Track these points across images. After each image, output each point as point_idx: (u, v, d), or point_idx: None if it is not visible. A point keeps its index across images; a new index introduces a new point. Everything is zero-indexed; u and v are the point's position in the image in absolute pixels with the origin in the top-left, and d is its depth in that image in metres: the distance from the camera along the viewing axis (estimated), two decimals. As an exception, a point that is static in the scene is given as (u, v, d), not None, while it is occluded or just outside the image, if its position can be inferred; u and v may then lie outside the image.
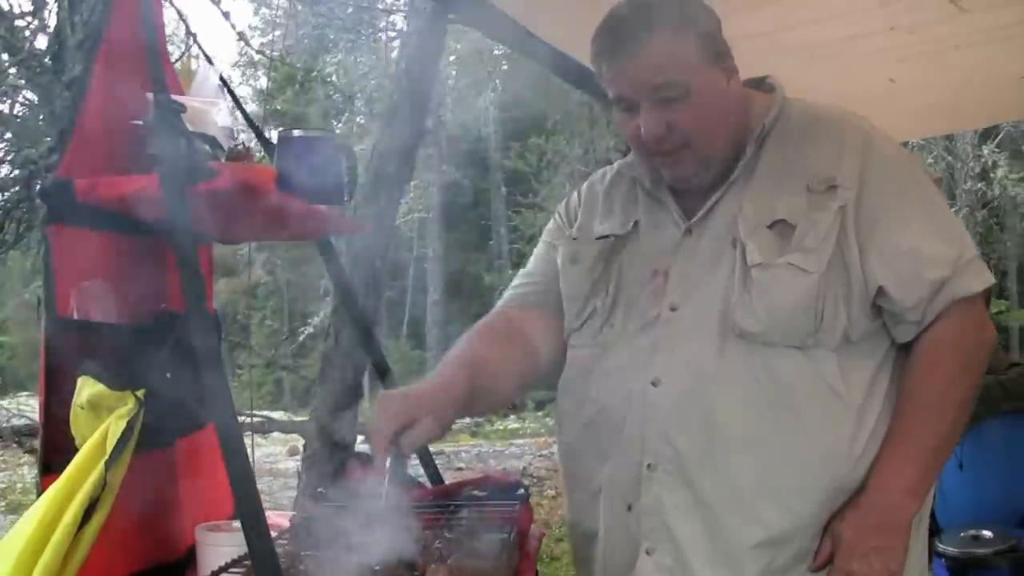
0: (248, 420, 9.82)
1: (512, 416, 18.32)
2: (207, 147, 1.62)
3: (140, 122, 1.69)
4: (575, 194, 2.13)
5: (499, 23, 3.14)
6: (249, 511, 1.40)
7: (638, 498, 1.81)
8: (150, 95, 1.66)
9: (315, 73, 15.20)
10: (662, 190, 1.92)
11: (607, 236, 1.97)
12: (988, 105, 4.46)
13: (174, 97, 1.64)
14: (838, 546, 1.73)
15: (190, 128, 1.72)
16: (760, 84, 1.96)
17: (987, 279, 1.79)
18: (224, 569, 1.75)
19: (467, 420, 15.84)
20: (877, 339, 1.79)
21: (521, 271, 2.17)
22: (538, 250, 2.14)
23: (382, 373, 2.41)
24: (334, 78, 16.94)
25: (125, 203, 1.57)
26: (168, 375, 1.57)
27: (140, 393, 1.52)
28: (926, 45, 3.37)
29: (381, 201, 4.12)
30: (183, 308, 1.78)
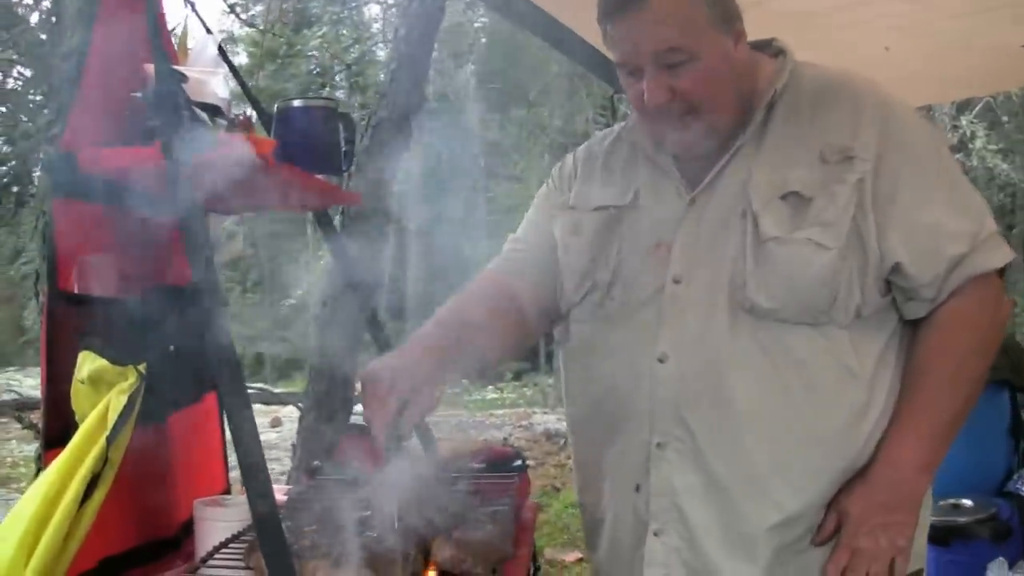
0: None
1: (491, 387, 18.30)
2: (209, 117, 1.59)
3: (139, 94, 1.67)
4: (570, 158, 2.08)
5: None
6: (257, 485, 1.38)
7: (646, 478, 1.78)
8: (149, 66, 1.64)
9: (298, 48, 15.03)
10: (664, 157, 1.86)
11: (607, 207, 1.91)
12: (986, 74, 4.40)
13: (175, 67, 1.61)
14: (844, 521, 1.71)
15: (191, 98, 1.70)
16: (766, 46, 1.88)
17: (1005, 255, 1.74)
18: (224, 544, 1.74)
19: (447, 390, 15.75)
20: (887, 314, 1.75)
21: (512, 235, 2.12)
22: (530, 215, 2.10)
23: (381, 346, 2.39)
24: (316, 52, 16.79)
25: (128, 174, 1.55)
26: (169, 349, 1.55)
27: (141, 367, 1.50)
28: (923, 13, 3.33)
29: (378, 171, 4.07)
30: (185, 280, 1.78)
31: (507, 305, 1.96)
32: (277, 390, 14.23)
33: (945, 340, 1.73)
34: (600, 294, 1.88)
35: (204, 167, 1.50)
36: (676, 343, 1.75)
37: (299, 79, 16.95)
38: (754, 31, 1.83)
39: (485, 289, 2.01)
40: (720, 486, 1.73)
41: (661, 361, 1.76)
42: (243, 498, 1.97)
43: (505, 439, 11.50)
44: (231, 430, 1.42)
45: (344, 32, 17.68)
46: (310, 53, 16.90)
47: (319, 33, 16.57)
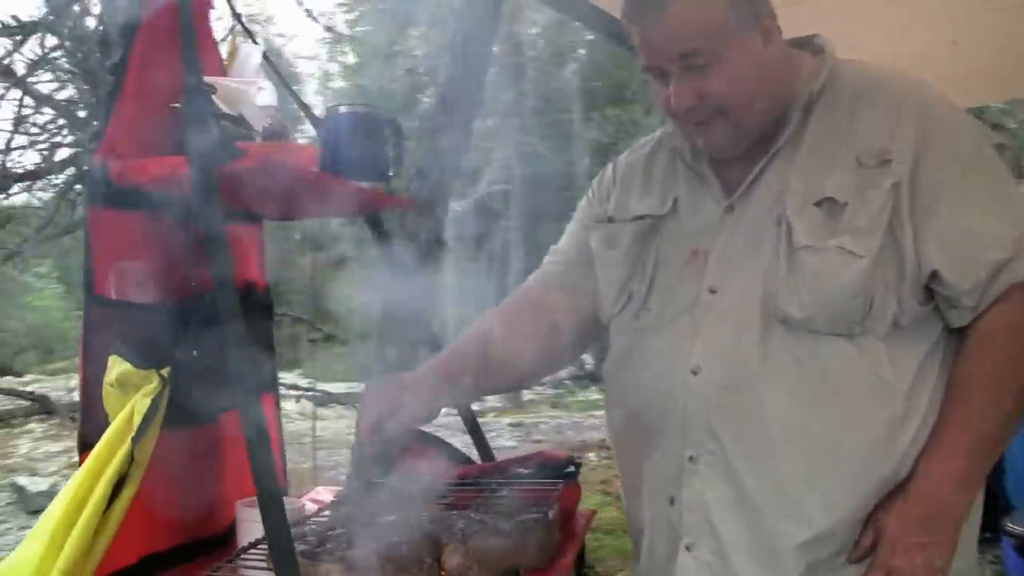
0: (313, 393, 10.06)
1: (593, 387, 18.27)
2: (235, 128, 1.62)
3: (177, 105, 1.71)
4: (609, 169, 2.06)
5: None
6: (268, 493, 1.41)
7: (680, 491, 1.75)
8: (188, 78, 1.68)
9: (397, 48, 15.23)
10: (702, 163, 1.83)
11: (644, 216, 1.89)
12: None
13: (206, 79, 1.65)
14: (881, 538, 1.65)
15: (225, 109, 1.73)
16: (808, 44, 1.83)
17: None
18: (253, 545, 1.78)
19: (548, 391, 15.88)
20: (928, 324, 1.68)
21: (552, 247, 2.11)
22: (570, 227, 2.09)
23: (431, 350, 2.41)
24: (418, 52, 16.98)
25: (155, 184, 1.59)
26: (197, 353, 1.58)
27: (165, 372, 1.54)
28: (989, 3, 3.16)
29: (436, 175, 4.11)
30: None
31: (538, 321, 1.98)
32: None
33: (987, 349, 1.65)
34: (637, 305, 1.85)
35: (226, 177, 1.53)
36: (709, 354, 1.71)
37: (401, 79, 17.13)
38: (804, 27, 1.78)
39: (517, 306, 2.04)
40: (750, 501, 1.68)
41: (694, 373, 1.72)
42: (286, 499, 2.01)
43: (603, 440, 11.50)
44: (245, 438, 1.44)
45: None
46: (414, 52, 17.07)
47: (418, 33, 16.74)
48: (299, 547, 1.53)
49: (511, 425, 12.15)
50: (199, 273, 1.73)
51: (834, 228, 1.63)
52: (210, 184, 1.49)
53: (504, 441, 11.18)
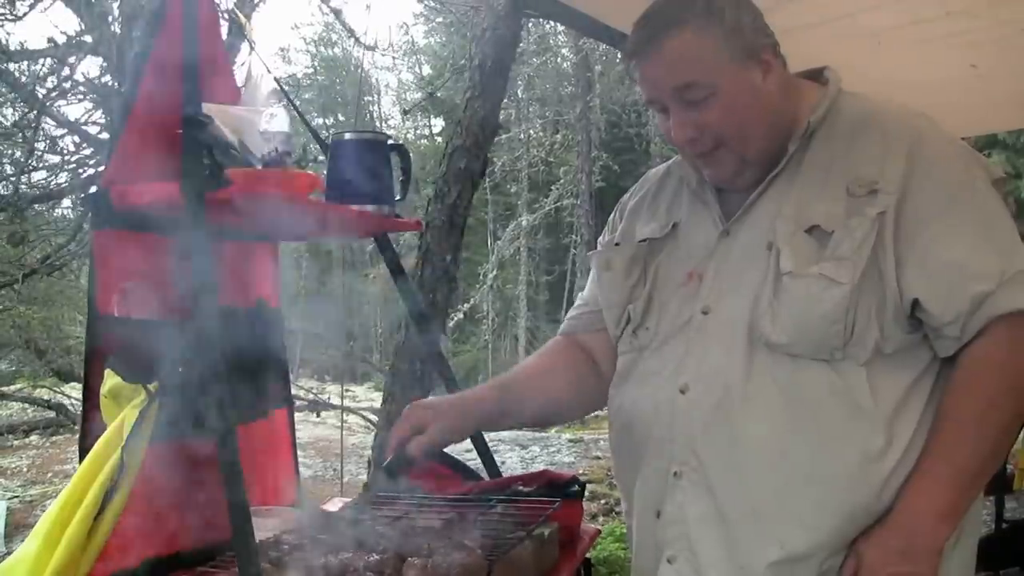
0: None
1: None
2: (229, 156, 1.71)
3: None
4: (619, 205, 2.14)
5: (573, 15, 3.20)
6: (234, 502, 1.49)
7: (664, 505, 1.82)
8: (208, 106, 1.76)
9: (463, 61, 15.38)
10: (706, 190, 1.90)
11: (645, 240, 1.97)
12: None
13: (204, 107, 1.73)
14: (861, 567, 1.69)
15: (228, 136, 1.82)
16: (818, 76, 1.89)
17: None
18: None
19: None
20: (916, 352, 1.72)
21: (580, 294, 2.22)
22: (591, 273, 2.17)
23: (440, 369, 2.47)
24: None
25: (150, 209, 1.68)
26: (183, 369, 1.66)
27: (152, 386, 1.63)
28: (1010, 27, 3.12)
29: (452, 196, 4.21)
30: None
31: (582, 362, 2.11)
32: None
33: (969, 382, 1.68)
34: (634, 324, 1.94)
35: (215, 204, 1.61)
36: (697, 374, 1.78)
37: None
38: (821, 51, 1.82)
39: (557, 347, 2.17)
40: (726, 519, 1.74)
41: (682, 392, 1.79)
42: (281, 508, 2.10)
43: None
44: (219, 456, 1.52)
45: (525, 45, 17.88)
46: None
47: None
48: (272, 554, 1.60)
49: (571, 441, 12.13)
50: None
51: (820, 255, 1.68)
52: (198, 210, 1.58)
53: (563, 457, 11.17)
